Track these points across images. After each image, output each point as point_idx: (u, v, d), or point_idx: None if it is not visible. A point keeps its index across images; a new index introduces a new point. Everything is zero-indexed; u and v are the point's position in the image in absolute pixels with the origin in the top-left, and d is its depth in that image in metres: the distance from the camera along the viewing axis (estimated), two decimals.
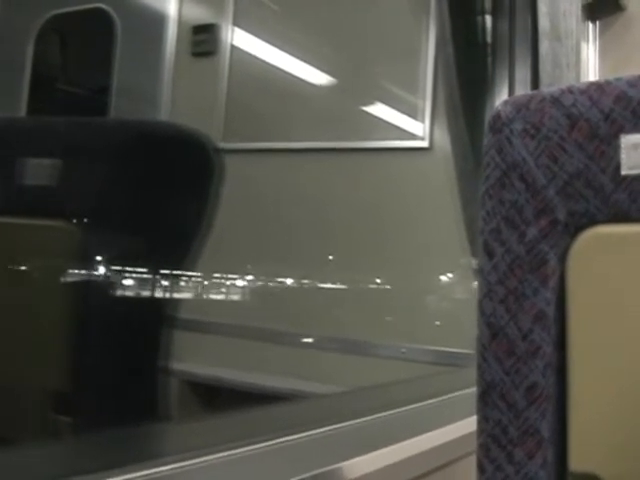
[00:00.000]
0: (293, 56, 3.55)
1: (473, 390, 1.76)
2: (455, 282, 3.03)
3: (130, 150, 1.35)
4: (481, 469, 0.85)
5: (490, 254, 0.84)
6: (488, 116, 2.29)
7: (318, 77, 3.55)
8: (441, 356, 2.82)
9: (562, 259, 0.83)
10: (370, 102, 3.38)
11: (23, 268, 1.47)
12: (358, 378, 2.89)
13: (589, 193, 0.81)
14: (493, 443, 0.84)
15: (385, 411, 1.58)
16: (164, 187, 1.36)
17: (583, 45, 2.85)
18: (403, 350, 2.93)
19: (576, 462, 0.83)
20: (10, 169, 1.36)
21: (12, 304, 1.40)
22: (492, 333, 0.84)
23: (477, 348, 0.85)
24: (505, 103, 0.86)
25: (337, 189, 3.32)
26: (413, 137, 3.16)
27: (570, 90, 0.83)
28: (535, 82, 2.47)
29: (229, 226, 2.37)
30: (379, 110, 3.36)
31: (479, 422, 0.85)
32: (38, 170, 1.35)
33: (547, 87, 1.31)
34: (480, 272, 0.85)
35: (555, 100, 0.83)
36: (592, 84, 0.83)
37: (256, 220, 3.46)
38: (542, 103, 0.84)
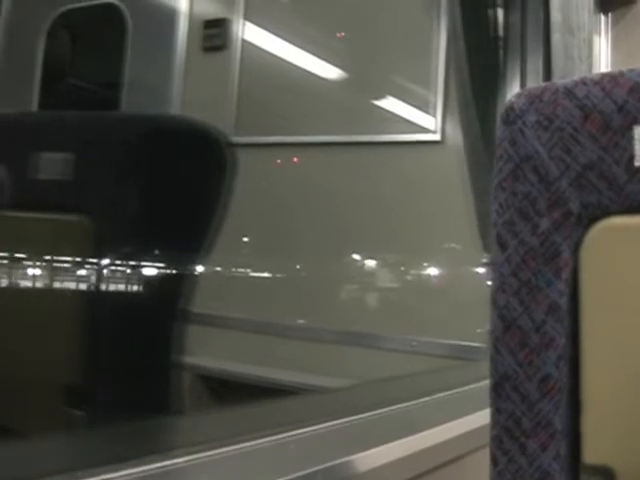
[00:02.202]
0: (304, 50, 3.55)
1: (485, 383, 1.76)
2: (466, 275, 3.03)
3: (144, 144, 1.35)
4: (494, 461, 0.85)
5: (503, 246, 0.84)
6: (500, 108, 2.29)
7: (329, 71, 3.55)
8: (452, 349, 2.81)
9: (575, 251, 0.82)
10: (381, 96, 3.38)
11: (38, 262, 1.47)
12: (369, 371, 2.89)
13: (602, 184, 0.81)
14: (506, 435, 0.84)
15: (397, 404, 1.58)
16: (177, 181, 1.36)
17: (595, 37, 2.84)
18: (413, 343, 2.93)
19: (589, 454, 0.82)
20: (27, 163, 1.37)
21: (27, 299, 1.40)
22: (505, 325, 0.83)
23: (490, 340, 0.85)
24: (518, 95, 0.86)
25: (348, 183, 3.31)
26: (425, 130, 3.15)
27: (583, 82, 0.83)
28: (547, 75, 2.47)
29: (240, 220, 2.36)
30: (391, 104, 3.35)
31: (492, 414, 0.85)
32: (55, 164, 1.35)
33: (559, 80, 1.31)
34: (493, 264, 0.85)
35: (568, 92, 0.83)
36: (605, 75, 0.82)
37: (267, 214, 3.46)
38: (555, 95, 0.83)
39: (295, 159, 3.57)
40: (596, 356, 0.82)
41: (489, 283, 0.88)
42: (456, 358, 2.77)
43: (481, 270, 2.67)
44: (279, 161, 3.58)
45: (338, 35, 3.52)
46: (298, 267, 3.52)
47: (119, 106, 3.70)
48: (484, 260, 2.54)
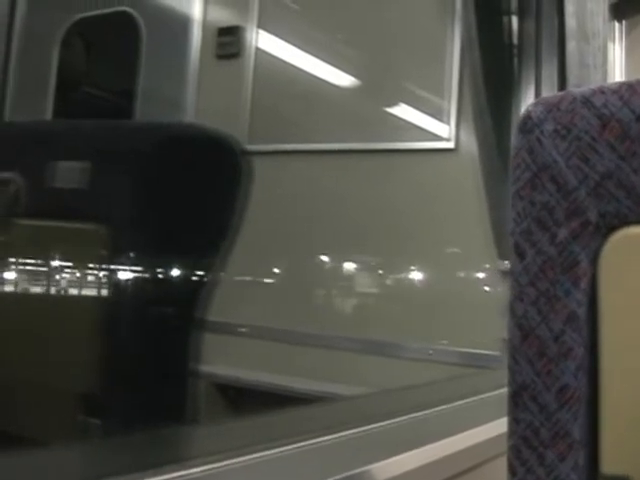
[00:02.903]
0: (317, 58, 3.55)
1: (501, 392, 1.76)
2: (481, 283, 3.02)
3: (160, 152, 1.35)
4: (512, 471, 0.85)
5: (521, 255, 0.84)
6: (515, 117, 2.28)
7: (343, 79, 3.55)
8: (468, 357, 2.81)
9: (594, 260, 0.82)
10: (395, 103, 3.38)
11: (55, 270, 1.47)
12: (386, 380, 2.89)
13: (621, 194, 0.80)
14: (524, 445, 0.83)
15: (415, 413, 1.58)
16: (193, 189, 1.36)
17: (610, 45, 2.84)
18: (430, 352, 2.92)
19: (608, 465, 0.82)
20: (44, 172, 1.37)
21: (45, 306, 1.41)
22: (523, 335, 0.83)
23: (508, 350, 0.85)
24: (535, 104, 0.86)
25: (362, 190, 3.31)
26: (438, 138, 3.15)
27: (601, 90, 0.83)
28: (562, 83, 2.46)
29: (254, 227, 2.37)
30: (404, 111, 3.35)
31: (510, 424, 0.85)
32: (71, 173, 1.35)
33: (574, 87, 1.30)
34: (511, 273, 0.85)
35: (586, 100, 0.82)
36: (623, 84, 0.82)
37: (281, 221, 3.46)
38: (573, 104, 0.83)
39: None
40: (615, 366, 0.82)
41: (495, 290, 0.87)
42: (472, 366, 2.76)
43: (492, 277, 2.66)
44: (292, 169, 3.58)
45: (352, 43, 3.52)
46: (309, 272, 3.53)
47: (133, 114, 3.71)
48: (499, 268, 2.53)
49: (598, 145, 0.81)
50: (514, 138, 0.87)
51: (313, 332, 3.26)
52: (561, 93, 0.86)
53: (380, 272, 3.36)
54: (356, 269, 3.41)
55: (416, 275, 3.27)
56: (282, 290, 3.58)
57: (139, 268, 1.39)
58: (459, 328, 2.95)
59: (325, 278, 3.48)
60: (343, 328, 3.25)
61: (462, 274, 3.14)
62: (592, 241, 0.82)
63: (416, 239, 3.18)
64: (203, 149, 1.37)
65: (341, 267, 3.43)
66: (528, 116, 0.86)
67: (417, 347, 2.96)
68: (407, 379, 2.82)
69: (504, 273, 2.42)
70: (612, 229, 0.82)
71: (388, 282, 3.36)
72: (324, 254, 3.42)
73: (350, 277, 3.43)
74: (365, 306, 3.39)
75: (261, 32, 3.71)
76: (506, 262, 2.42)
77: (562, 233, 0.82)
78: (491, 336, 2.52)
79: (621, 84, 0.82)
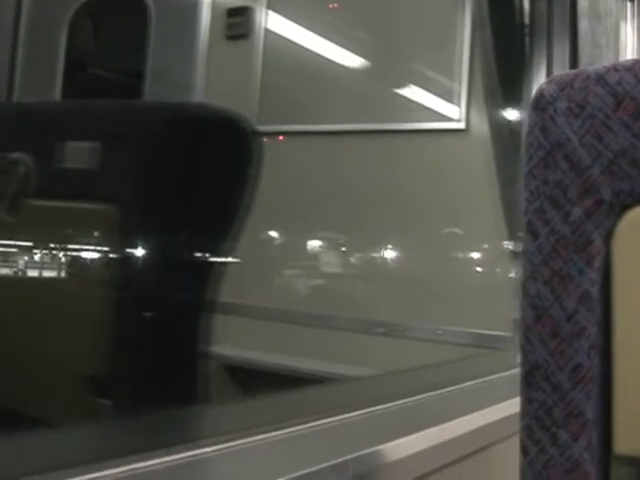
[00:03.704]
0: (327, 39, 3.54)
1: (512, 372, 1.76)
2: (492, 264, 3.02)
3: (171, 131, 1.35)
4: (524, 451, 0.84)
5: (534, 234, 0.83)
6: (527, 97, 2.26)
7: (352, 60, 3.54)
8: (477, 338, 2.80)
9: (607, 239, 0.82)
10: (405, 85, 3.37)
11: (67, 251, 1.48)
12: (394, 360, 2.89)
13: (635, 172, 0.80)
14: (537, 425, 0.83)
15: (426, 393, 1.58)
16: (204, 169, 1.36)
17: (621, 24, 2.82)
18: (439, 332, 2.92)
19: (621, 445, 0.82)
20: (55, 153, 1.37)
21: (56, 288, 1.41)
22: (536, 314, 0.83)
23: (521, 329, 0.84)
24: (549, 82, 0.85)
25: (371, 170, 3.31)
26: (448, 119, 3.14)
27: (615, 68, 0.82)
28: (574, 62, 2.45)
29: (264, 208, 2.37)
30: (414, 93, 3.34)
31: (523, 404, 0.84)
32: (83, 153, 1.35)
33: (588, 66, 1.30)
34: (524, 253, 0.84)
35: (600, 78, 0.82)
36: (637, 61, 0.81)
37: (290, 201, 3.46)
38: (587, 81, 0.82)
39: (280, 137, 3.56)
40: (628, 345, 0.81)
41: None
42: (481, 347, 2.76)
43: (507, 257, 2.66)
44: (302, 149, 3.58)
45: (361, 24, 3.51)
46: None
47: (142, 95, 3.70)
48: (510, 248, 2.52)
49: (612, 123, 0.80)
50: (527, 116, 0.86)
51: (319, 313, 3.26)
52: (574, 71, 0.86)
53: (391, 253, 3.35)
54: (364, 250, 3.41)
55: (426, 255, 3.26)
56: (291, 270, 3.59)
57: (148, 249, 1.38)
58: (466, 310, 2.95)
59: (332, 258, 3.48)
60: (351, 309, 3.25)
61: (472, 255, 3.13)
62: (606, 220, 0.81)
63: (426, 219, 3.18)
64: (214, 129, 1.37)
65: (348, 247, 3.42)
66: (541, 94, 0.85)
67: (425, 328, 2.96)
68: (416, 360, 2.82)
69: (515, 254, 2.41)
70: (626, 207, 0.81)
71: (398, 263, 3.36)
72: (333, 234, 3.42)
73: (358, 257, 3.43)
74: (374, 286, 3.39)
75: (270, 13, 3.70)
76: (516, 243, 2.42)
77: (575, 212, 0.81)
78: (501, 317, 2.52)
79: (635, 61, 0.82)
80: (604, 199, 0.81)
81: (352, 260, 3.45)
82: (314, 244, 3.53)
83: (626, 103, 0.80)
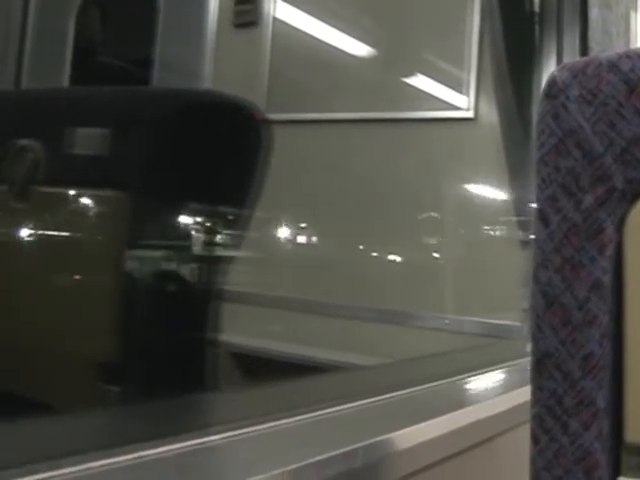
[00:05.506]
0: (334, 28, 3.53)
1: (521, 361, 1.76)
2: (500, 254, 3.01)
3: (181, 118, 1.35)
4: (535, 440, 0.84)
5: (546, 222, 0.83)
6: (537, 86, 2.25)
7: (361, 49, 3.53)
8: (485, 328, 2.80)
9: (619, 227, 0.81)
10: (413, 74, 3.36)
11: (75, 237, 1.48)
12: (402, 349, 2.89)
13: None
14: (548, 414, 0.83)
15: (435, 381, 1.58)
16: (214, 156, 1.36)
17: (632, 13, 2.81)
18: (446, 321, 2.92)
19: (632, 434, 0.81)
20: (65, 139, 1.37)
21: (66, 275, 1.41)
22: (547, 302, 0.82)
23: (532, 317, 0.84)
24: (561, 69, 0.85)
25: (379, 159, 3.31)
26: (457, 108, 3.14)
27: (627, 55, 0.81)
28: (584, 50, 2.44)
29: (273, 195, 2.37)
30: (422, 82, 3.34)
31: (533, 392, 0.84)
32: (92, 140, 1.35)
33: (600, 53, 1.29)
34: (535, 240, 0.84)
35: (612, 65, 0.81)
36: None
37: (298, 190, 3.46)
38: (599, 68, 0.82)
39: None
40: (639, 334, 0.81)
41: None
42: (489, 336, 2.76)
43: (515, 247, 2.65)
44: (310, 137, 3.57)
45: (369, 13, 3.50)
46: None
47: (150, 83, 3.70)
48: (519, 238, 2.52)
49: (625, 110, 0.80)
50: (539, 103, 0.86)
51: (327, 301, 3.26)
52: (586, 58, 0.85)
53: (401, 241, 3.35)
54: (374, 238, 3.41)
55: (436, 244, 3.26)
56: (304, 260, 3.59)
57: (159, 236, 1.38)
58: (477, 298, 2.95)
59: (342, 248, 3.48)
60: (362, 298, 3.25)
61: (481, 243, 3.13)
62: (618, 208, 0.81)
63: (434, 207, 3.18)
64: (224, 115, 1.37)
65: (358, 236, 3.42)
66: (553, 81, 0.84)
67: (433, 317, 2.96)
68: (423, 349, 2.82)
69: (524, 243, 2.41)
70: (638, 195, 0.81)
71: (409, 251, 3.35)
72: (343, 223, 3.42)
73: (369, 246, 3.43)
74: (388, 276, 3.38)
75: (278, 1, 3.69)
76: (526, 232, 2.41)
77: (587, 199, 0.81)
78: (510, 306, 2.52)
79: None
80: (616, 187, 0.81)
81: (356, 247, 3.44)
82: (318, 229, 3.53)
83: (639, 90, 0.80)
